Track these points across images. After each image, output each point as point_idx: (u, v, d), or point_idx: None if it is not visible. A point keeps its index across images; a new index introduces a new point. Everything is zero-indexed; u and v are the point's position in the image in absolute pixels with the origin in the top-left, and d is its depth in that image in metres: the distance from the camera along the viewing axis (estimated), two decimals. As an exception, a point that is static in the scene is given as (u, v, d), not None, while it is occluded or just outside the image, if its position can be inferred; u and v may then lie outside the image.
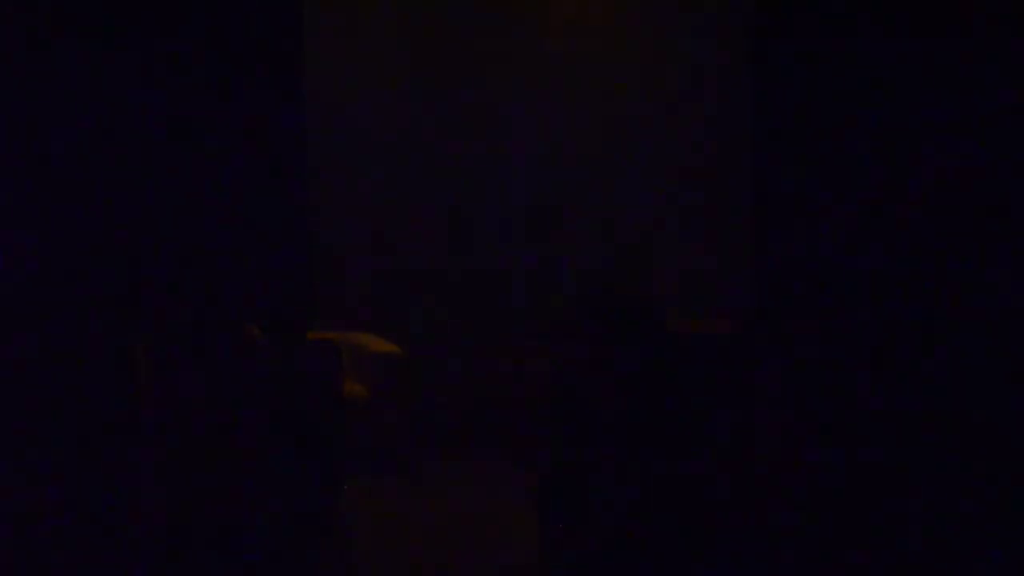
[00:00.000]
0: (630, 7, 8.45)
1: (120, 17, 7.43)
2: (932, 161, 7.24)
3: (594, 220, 8.42)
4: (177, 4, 7.60)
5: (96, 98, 7.36)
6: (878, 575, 3.84)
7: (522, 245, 8.44)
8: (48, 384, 4.17)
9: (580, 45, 8.43)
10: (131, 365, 4.25)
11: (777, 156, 8.16)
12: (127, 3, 7.47)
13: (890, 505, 3.87)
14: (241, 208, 7.81)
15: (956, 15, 6.58)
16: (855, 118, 7.67)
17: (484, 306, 8.42)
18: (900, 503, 3.89)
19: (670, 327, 4.29)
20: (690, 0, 8.42)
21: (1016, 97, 6.55)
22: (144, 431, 4.05)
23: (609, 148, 8.41)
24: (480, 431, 8.02)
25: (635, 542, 3.88)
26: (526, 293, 8.41)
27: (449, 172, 8.42)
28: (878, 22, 7.33)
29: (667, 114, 8.35)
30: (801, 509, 3.89)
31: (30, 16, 7.01)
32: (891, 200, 7.45)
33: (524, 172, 8.41)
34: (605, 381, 4.02)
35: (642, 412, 3.94)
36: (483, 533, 6.04)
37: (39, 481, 4.00)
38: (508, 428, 7.73)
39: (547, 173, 8.41)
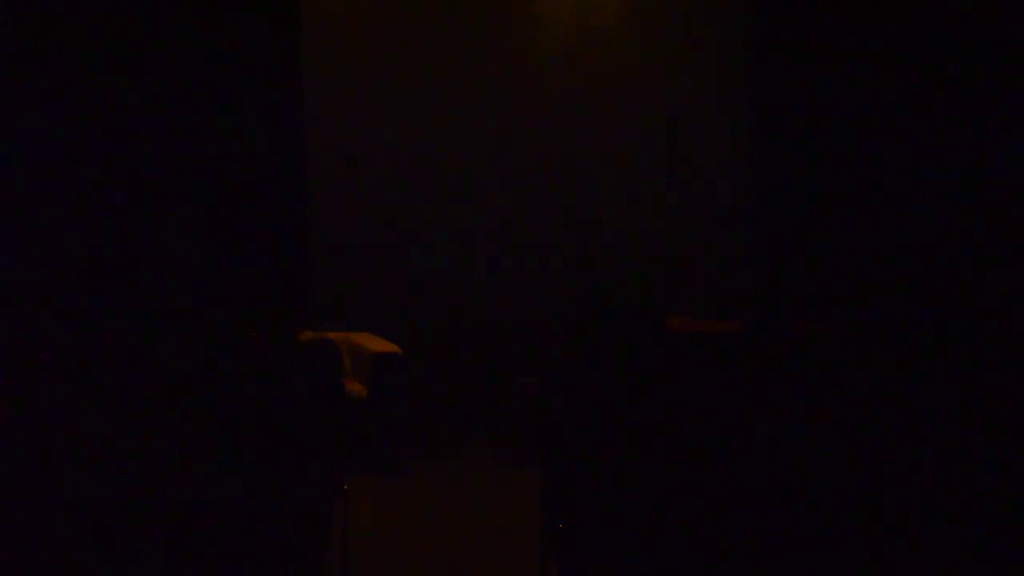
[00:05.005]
0: (632, 9, 8.45)
1: (122, 17, 7.44)
2: (931, 161, 7.25)
3: (594, 221, 8.42)
4: (178, 6, 7.62)
5: (97, 98, 7.38)
6: (880, 575, 3.85)
7: (522, 245, 8.44)
8: (45, 384, 4.17)
9: (579, 46, 8.43)
10: (130, 364, 4.26)
11: (777, 157, 8.17)
12: (129, 3, 7.48)
13: (892, 505, 3.87)
14: (240, 208, 7.83)
15: (954, 17, 6.58)
16: (854, 120, 7.69)
17: (484, 307, 8.42)
18: (902, 503, 3.90)
19: (671, 327, 4.29)
20: (692, 3, 8.43)
21: (1013, 99, 6.55)
22: (142, 430, 4.05)
23: (609, 149, 8.41)
24: (479, 431, 8.02)
25: (636, 542, 3.88)
26: (526, 293, 8.40)
27: (449, 172, 8.41)
28: (875, 26, 7.33)
29: (667, 115, 8.35)
30: (803, 509, 3.89)
31: (29, 16, 7.00)
32: (891, 200, 7.46)
33: (524, 173, 8.41)
34: (605, 381, 4.02)
35: (642, 412, 3.94)
36: (483, 533, 6.03)
37: (35, 482, 4.00)
38: (507, 428, 7.72)
39: (547, 174, 8.41)
